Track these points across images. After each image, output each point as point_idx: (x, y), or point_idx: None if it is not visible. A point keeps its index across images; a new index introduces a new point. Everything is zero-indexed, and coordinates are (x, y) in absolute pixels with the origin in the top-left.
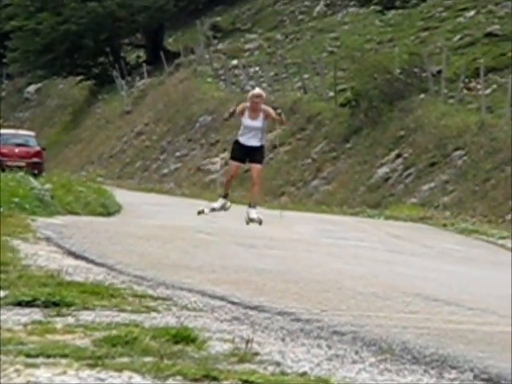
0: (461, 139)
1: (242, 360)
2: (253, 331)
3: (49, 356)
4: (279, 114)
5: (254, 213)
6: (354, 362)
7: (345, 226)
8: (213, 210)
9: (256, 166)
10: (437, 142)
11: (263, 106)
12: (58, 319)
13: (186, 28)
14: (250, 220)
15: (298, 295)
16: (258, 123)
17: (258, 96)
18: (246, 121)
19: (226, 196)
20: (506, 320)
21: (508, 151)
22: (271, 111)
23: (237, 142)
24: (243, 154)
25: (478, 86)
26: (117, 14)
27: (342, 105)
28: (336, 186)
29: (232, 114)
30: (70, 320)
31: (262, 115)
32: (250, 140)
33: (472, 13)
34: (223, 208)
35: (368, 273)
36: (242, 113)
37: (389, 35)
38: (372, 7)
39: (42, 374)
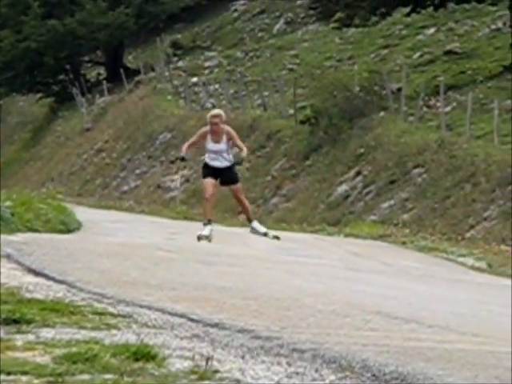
0: (420, 157)
1: (202, 377)
2: (213, 348)
3: (9, 373)
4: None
5: (261, 228)
6: (314, 379)
7: (304, 244)
8: (206, 237)
9: (234, 187)
10: (396, 160)
11: (226, 128)
12: (18, 336)
13: (145, 45)
14: (263, 234)
15: (257, 312)
16: (222, 146)
17: (216, 116)
18: (209, 144)
19: (209, 222)
20: (466, 337)
21: (467, 169)
22: (234, 135)
23: (205, 165)
24: (214, 174)
25: (438, 104)
26: (77, 32)
27: (302, 122)
28: (296, 203)
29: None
30: (31, 337)
31: (224, 137)
32: (217, 162)
33: (432, 30)
34: (209, 236)
35: (328, 290)
36: (203, 137)
37: (348, 53)
38: (332, 25)
39: None
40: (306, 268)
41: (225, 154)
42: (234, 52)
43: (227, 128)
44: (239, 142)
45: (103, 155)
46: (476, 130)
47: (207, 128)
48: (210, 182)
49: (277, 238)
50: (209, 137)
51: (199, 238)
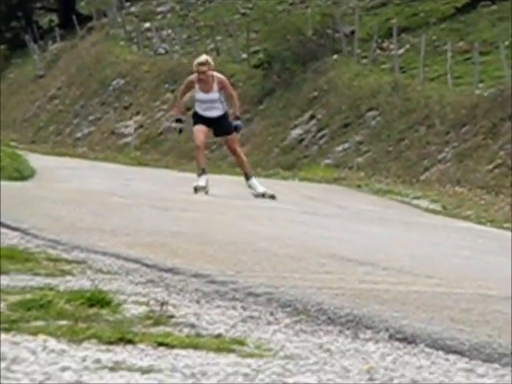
0: (374, 100)
1: (157, 323)
2: (168, 294)
3: None
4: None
5: (259, 186)
6: (269, 323)
7: None
8: (202, 188)
9: (230, 138)
10: (350, 103)
11: (216, 75)
12: None
13: None
14: (260, 195)
15: (212, 257)
16: (214, 95)
17: (203, 63)
18: (198, 94)
19: (204, 171)
20: (421, 279)
21: (421, 111)
22: (227, 83)
23: (196, 114)
24: (206, 122)
25: (391, 46)
26: None
27: (255, 66)
28: (250, 147)
29: (179, 120)
30: None
31: (216, 86)
32: (209, 112)
33: None
34: (206, 187)
35: (282, 234)
36: (190, 87)
37: None
38: None
39: None
40: (261, 212)
41: (217, 104)
42: None
43: (220, 76)
44: (234, 94)
45: (56, 102)
46: (429, 72)
47: (193, 76)
48: (200, 130)
49: (273, 197)
50: (197, 86)
51: (196, 189)
